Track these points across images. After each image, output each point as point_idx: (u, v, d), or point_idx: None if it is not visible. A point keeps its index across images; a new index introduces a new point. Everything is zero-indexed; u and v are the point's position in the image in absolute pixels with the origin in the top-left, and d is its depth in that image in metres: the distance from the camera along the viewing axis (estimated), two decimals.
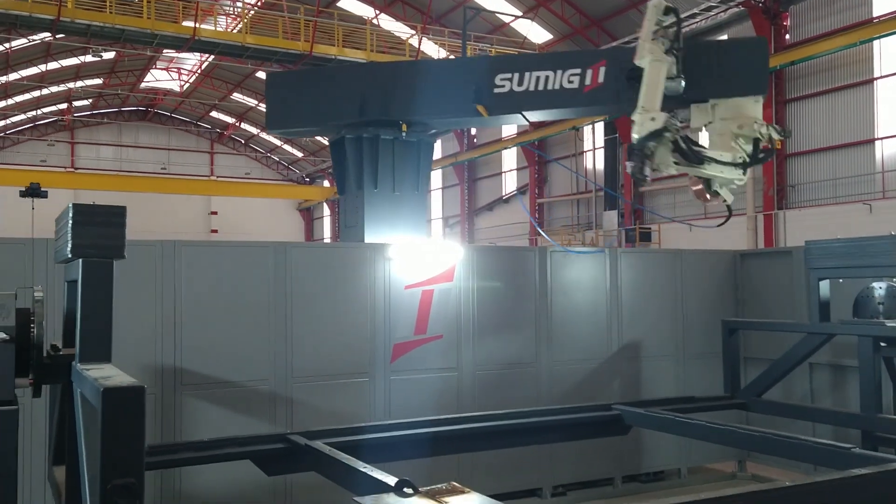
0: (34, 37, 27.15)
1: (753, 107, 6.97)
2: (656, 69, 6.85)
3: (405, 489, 3.97)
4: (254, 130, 47.54)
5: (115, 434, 2.78)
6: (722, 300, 8.87)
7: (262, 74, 36.68)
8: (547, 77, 7.70)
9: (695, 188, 7.04)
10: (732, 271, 9.02)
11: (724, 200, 7.08)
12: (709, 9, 21.92)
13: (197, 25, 23.60)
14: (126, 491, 2.76)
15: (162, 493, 6.18)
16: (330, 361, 6.94)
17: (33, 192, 35.62)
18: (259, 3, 29.81)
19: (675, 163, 6.81)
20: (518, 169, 33.08)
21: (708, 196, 6.99)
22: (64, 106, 41.81)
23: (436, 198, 39.38)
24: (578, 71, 7.64)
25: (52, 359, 3.90)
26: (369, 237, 7.81)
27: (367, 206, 7.78)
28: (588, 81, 7.60)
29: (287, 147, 47.11)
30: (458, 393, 7.48)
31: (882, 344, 6.50)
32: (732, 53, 7.34)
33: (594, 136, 28.79)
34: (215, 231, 47.26)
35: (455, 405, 7.35)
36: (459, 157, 33.83)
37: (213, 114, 46.53)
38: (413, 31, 28.44)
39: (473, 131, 33.78)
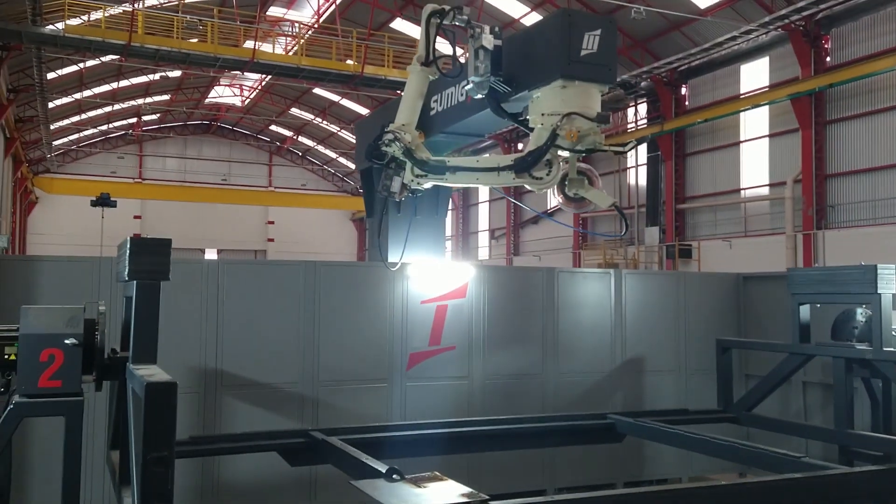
0: (106, 58, 28.90)
1: (567, 96, 5.83)
2: (410, 82, 6.48)
3: (393, 476, 4.84)
4: (310, 143, 49.20)
5: (153, 418, 3.67)
6: (725, 320, 9.43)
7: (318, 91, 38.17)
8: (451, 93, 7.37)
9: (559, 196, 6.37)
10: (735, 293, 9.59)
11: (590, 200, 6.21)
12: (748, 32, 22.26)
13: (256, 47, 25.00)
14: (161, 460, 3.65)
15: (202, 479, 7.11)
16: (352, 367, 7.80)
17: (103, 201, 37.80)
18: (316, 25, 31.19)
19: (418, 175, 6.48)
20: None
21: (566, 199, 6.26)
22: (133, 120, 44.09)
23: (483, 211, 40.21)
24: (465, 81, 6.68)
25: (111, 360, 4.84)
26: (392, 256, 8.63)
27: (390, 229, 8.60)
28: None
29: (342, 160, 48.56)
30: (468, 400, 8.25)
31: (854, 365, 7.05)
32: (535, 40, 6.31)
33: (636, 153, 29.22)
34: (272, 240, 49.04)
35: (466, 411, 8.10)
36: None
37: (273, 127, 48.36)
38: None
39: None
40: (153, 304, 4.54)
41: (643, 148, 28.71)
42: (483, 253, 39.23)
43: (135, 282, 4.51)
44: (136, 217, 45.04)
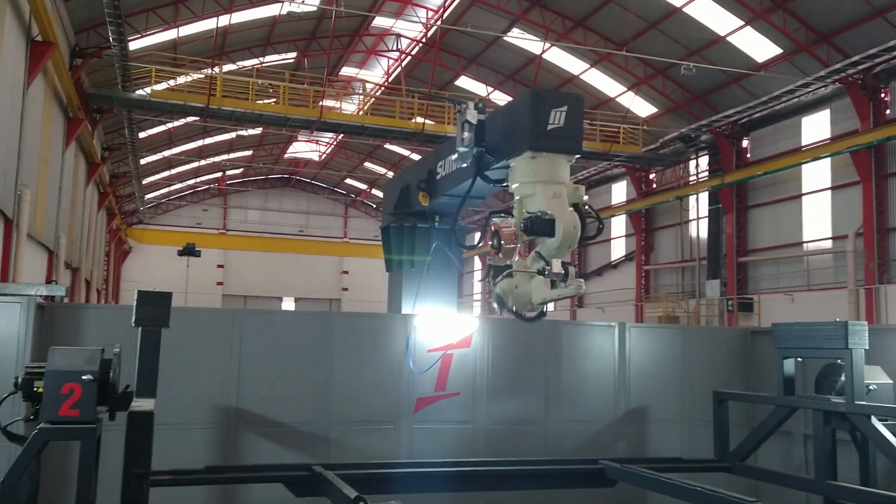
0: (189, 119, 31.12)
1: (536, 166, 6.43)
2: None
3: (359, 503, 5.49)
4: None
5: (133, 440, 4.46)
6: (731, 373, 9.66)
7: (390, 146, 39.76)
8: (451, 160, 7.61)
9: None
10: (743, 346, 9.83)
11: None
12: (806, 85, 22.29)
13: (323, 107, 26.55)
14: (137, 476, 4.42)
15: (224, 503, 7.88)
16: (362, 409, 8.45)
17: (189, 251, 40.08)
18: (385, 84, 32.78)
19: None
20: (626, 236, 33.79)
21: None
22: (218, 175, 46.79)
23: None
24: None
25: (122, 394, 5.69)
26: (406, 308, 9.32)
27: (405, 283, 9.31)
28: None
29: None
30: (472, 443, 8.75)
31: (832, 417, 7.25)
32: (511, 115, 6.78)
33: (698, 205, 29.20)
34: (346, 289, 50.58)
35: (469, 454, 8.59)
36: None
37: (348, 181, 50.34)
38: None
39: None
40: (154, 347, 5.39)
41: (704, 200, 28.71)
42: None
43: (140, 328, 5.38)
44: (219, 266, 47.45)
